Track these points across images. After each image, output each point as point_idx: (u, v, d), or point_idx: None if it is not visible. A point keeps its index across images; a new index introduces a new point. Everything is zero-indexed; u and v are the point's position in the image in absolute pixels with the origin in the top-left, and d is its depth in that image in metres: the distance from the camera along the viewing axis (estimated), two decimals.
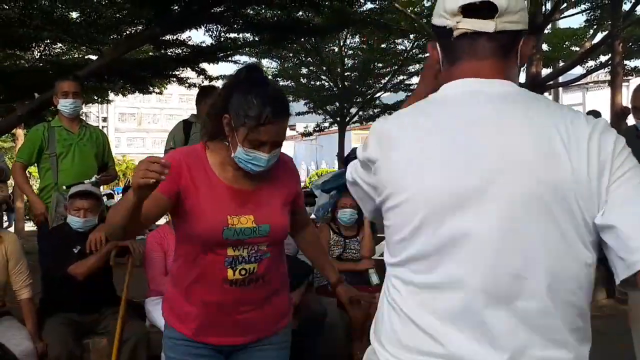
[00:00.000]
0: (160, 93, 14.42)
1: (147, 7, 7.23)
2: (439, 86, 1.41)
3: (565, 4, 11.38)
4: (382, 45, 15.79)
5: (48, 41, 9.55)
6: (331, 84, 18.13)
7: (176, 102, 52.40)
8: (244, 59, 15.40)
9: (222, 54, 10.78)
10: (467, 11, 1.23)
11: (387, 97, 19.45)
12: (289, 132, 2.02)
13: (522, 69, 1.36)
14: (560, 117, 1.17)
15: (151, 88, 13.08)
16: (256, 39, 10.33)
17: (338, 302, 4.52)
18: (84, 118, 4.86)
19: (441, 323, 1.16)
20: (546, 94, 12.01)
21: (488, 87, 1.22)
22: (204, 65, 11.40)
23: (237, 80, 1.98)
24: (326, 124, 20.09)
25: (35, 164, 4.52)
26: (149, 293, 3.88)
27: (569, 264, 1.13)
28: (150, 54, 11.35)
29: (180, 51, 10.26)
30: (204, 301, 2.00)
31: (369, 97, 18.55)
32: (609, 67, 11.48)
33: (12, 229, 15.21)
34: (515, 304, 1.12)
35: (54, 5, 8.00)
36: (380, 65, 17.21)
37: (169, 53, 10.39)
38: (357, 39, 16.49)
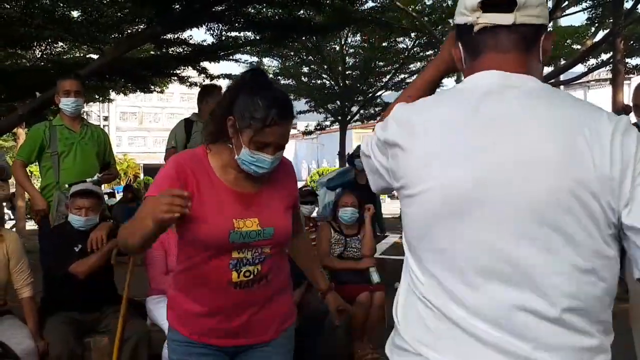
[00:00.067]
0: (162, 92, 14.43)
1: (148, 6, 7.23)
2: (448, 71, 1.46)
3: (566, 2, 11.37)
4: (384, 44, 15.76)
5: (49, 40, 9.55)
6: (332, 82, 18.11)
7: (177, 101, 52.40)
8: (245, 57, 15.44)
9: (223, 53, 10.79)
10: (486, 7, 1.24)
11: (389, 96, 19.41)
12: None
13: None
14: (583, 114, 1.18)
15: (152, 87, 13.09)
16: (257, 37, 10.34)
17: None
18: (85, 117, 4.85)
19: (467, 315, 1.18)
20: None
21: (512, 81, 1.23)
22: (205, 64, 11.41)
23: (242, 82, 1.98)
24: (327, 123, 20.09)
25: (37, 163, 4.52)
26: (150, 292, 3.89)
27: (589, 257, 1.13)
28: (152, 52, 11.35)
29: (182, 50, 10.27)
30: (209, 304, 2.00)
31: (370, 95, 18.53)
32: (611, 65, 11.48)
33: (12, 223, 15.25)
34: (538, 295, 1.13)
35: (55, 4, 8.01)
36: (381, 63, 17.19)
37: (170, 52, 10.40)
38: (358, 38, 16.47)
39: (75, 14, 8.57)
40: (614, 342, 1.20)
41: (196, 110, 5.08)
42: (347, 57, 17.34)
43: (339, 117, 18.84)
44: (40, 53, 11.06)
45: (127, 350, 3.43)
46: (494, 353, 1.15)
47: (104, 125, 44.85)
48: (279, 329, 2.13)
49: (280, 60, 17.95)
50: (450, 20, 13.71)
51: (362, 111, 19.24)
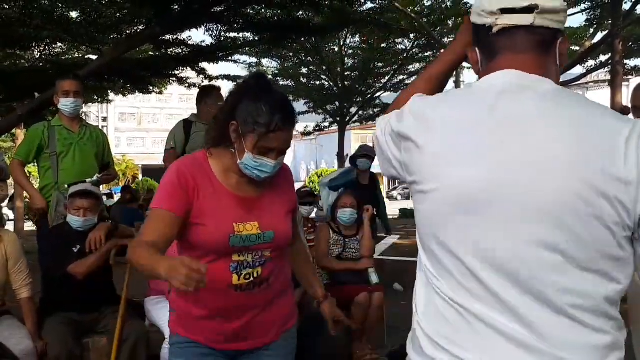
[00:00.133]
0: (160, 93, 14.45)
1: (147, 7, 7.24)
2: (460, 61, 1.46)
3: (565, 4, 11.38)
4: (382, 45, 15.81)
5: (48, 41, 9.56)
6: (331, 83, 18.15)
7: (176, 102, 52.42)
8: (244, 58, 15.49)
9: (222, 54, 10.81)
10: (505, 11, 1.24)
11: (387, 97, 19.44)
12: None
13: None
14: (598, 117, 1.18)
15: (151, 88, 13.10)
16: (256, 38, 10.35)
17: (338, 302, 4.52)
18: (83, 118, 4.84)
19: (486, 309, 1.19)
20: None
21: (528, 82, 1.23)
22: (204, 64, 11.42)
23: (245, 87, 1.99)
24: (326, 124, 20.13)
25: (35, 163, 4.52)
26: (148, 292, 3.89)
27: (598, 258, 1.13)
28: (150, 53, 11.36)
29: (180, 51, 10.28)
30: (210, 307, 2.00)
31: (369, 96, 18.57)
32: (609, 66, 11.50)
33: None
34: (547, 293, 1.14)
35: (54, 5, 8.01)
36: (380, 64, 17.23)
37: (169, 53, 10.40)
38: (357, 39, 16.52)
39: (74, 14, 8.57)
40: None
41: (195, 111, 5.07)
42: (346, 58, 17.38)
43: (338, 118, 18.88)
44: (39, 53, 11.06)
45: (125, 351, 3.43)
46: (514, 347, 1.16)
47: (102, 126, 44.78)
48: (279, 331, 2.13)
49: (279, 61, 17.99)
50: (450, 22, 13.75)
51: (361, 112, 19.28)
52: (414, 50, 16.10)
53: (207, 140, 2.05)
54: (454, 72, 1.65)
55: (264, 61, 18.15)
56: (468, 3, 13.13)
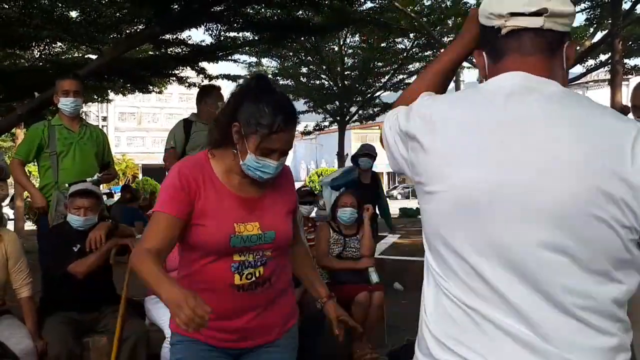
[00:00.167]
0: (160, 92, 14.43)
1: (147, 6, 7.23)
2: (467, 55, 1.47)
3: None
4: (382, 44, 15.79)
5: (48, 40, 9.54)
6: (331, 83, 18.13)
7: (176, 102, 52.38)
8: (244, 58, 15.48)
9: (221, 53, 10.80)
10: (514, 14, 1.25)
11: (387, 96, 19.44)
12: None
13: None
14: (604, 118, 1.18)
15: (151, 87, 13.09)
16: (256, 38, 10.35)
17: (338, 301, 4.52)
18: (83, 117, 4.84)
19: (492, 310, 1.19)
20: None
21: (534, 84, 1.23)
22: (203, 64, 11.42)
23: (246, 88, 1.99)
24: (326, 123, 20.11)
25: (35, 163, 4.52)
26: (148, 292, 3.88)
27: (603, 260, 1.13)
28: (150, 53, 11.35)
29: (180, 50, 10.27)
30: (213, 308, 2.00)
31: (368, 96, 18.55)
32: (609, 65, 11.49)
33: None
34: (554, 293, 1.14)
35: (54, 5, 8.01)
36: (380, 64, 17.22)
37: (169, 52, 10.39)
38: (357, 38, 16.50)
39: (73, 14, 8.57)
40: None
41: (195, 111, 5.07)
42: (345, 58, 17.37)
43: (338, 118, 18.87)
44: (38, 53, 11.05)
45: (125, 350, 3.43)
46: (521, 348, 1.16)
47: (102, 126, 44.77)
48: (282, 330, 2.14)
49: (279, 61, 17.98)
50: (449, 21, 13.75)
51: (360, 111, 19.26)
52: (413, 49, 16.08)
53: (209, 142, 2.06)
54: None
55: (264, 60, 18.17)
56: (468, 2, 13.14)
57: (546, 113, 1.18)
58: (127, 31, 8.87)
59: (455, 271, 1.24)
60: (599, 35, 11.94)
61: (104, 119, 52.21)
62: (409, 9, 12.53)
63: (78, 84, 4.42)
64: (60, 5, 8.09)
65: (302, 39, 13.45)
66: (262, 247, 2.00)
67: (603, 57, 13.42)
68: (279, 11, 8.88)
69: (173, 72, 11.72)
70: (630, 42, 13.45)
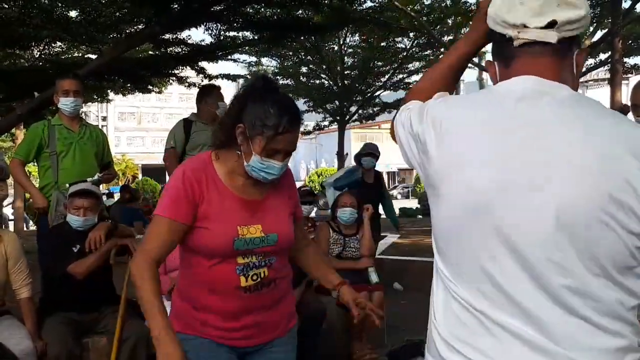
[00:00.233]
0: (160, 92, 14.44)
1: (147, 6, 7.24)
2: (478, 49, 1.48)
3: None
4: (382, 44, 15.78)
5: (47, 40, 9.57)
6: (331, 82, 18.13)
7: (176, 101, 52.33)
8: (244, 57, 15.47)
9: (221, 53, 10.81)
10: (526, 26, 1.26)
11: (387, 96, 19.44)
12: None
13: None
14: (615, 123, 1.18)
15: (151, 87, 13.09)
16: (256, 37, 10.34)
17: (337, 302, 4.52)
18: (83, 117, 4.84)
19: (499, 313, 1.19)
20: None
21: (545, 88, 1.23)
22: (203, 63, 11.42)
23: (250, 90, 1.99)
24: (326, 123, 20.11)
25: (35, 162, 4.51)
26: None
27: (609, 265, 1.14)
28: (150, 52, 11.36)
29: (180, 50, 10.28)
30: (219, 310, 2.01)
31: (368, 95, 18.55)
32: (609, 64, 11.50)
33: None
34: (561, 295, 1.15)
35: (53, 4, 8.02)
36: (380, 63, 17.21)
37: (169, 52, 10.40)
38: (356, 37, 16.49)
39: (73, 13, 8.57)
40: None
41: (195, 111, 5.07)
42: (345, 57, 17.35)
43: (338, 117, 18.86)
44: (38, 53, 11.07)
45: (125, 351, 3.43)
46: (529, 350, 1.17)
47: (102, 126, 44.77)
48: (285, 328, 2.17)
49: (278, 60, 17.98)
50: (449, 20, 13.74)
51: (360, 111, 19.25)
52: (413, 48, 16.08)
53: (214, 143, 2.06)
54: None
55: (264, 60, 18.15)
56: (467, 1, 13.13)
57: (558, 117, 1.19)
58: (127, 31, 8.88)
59: (464, 274, 1.25)
60: (599, 34, 11.94)
61: (104, 118, 52.18)
62: (408, 8, 12.52)
63: (78, 83, 4.41)
64: (60, 5, 8.11)
65: (302, 38, 13.44)
66: (265, 249, 2.00)
67: (603, 56, 13.42)
68: (278, 10, 8.89)
69: (173, 72, 11.73)
70: (630, 41, 13.45)
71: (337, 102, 18.61)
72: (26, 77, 9.91)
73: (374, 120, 20.65)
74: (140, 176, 41.11)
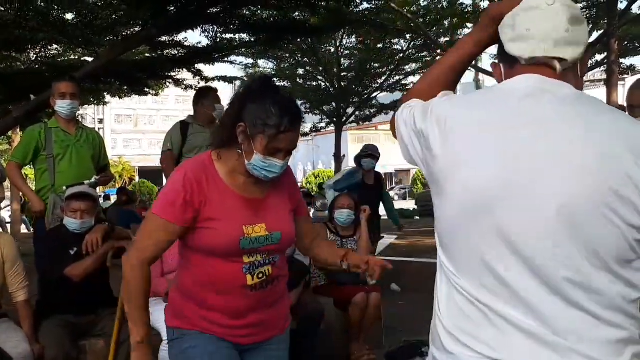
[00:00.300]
0: (157, 94, 14.43)
1: (143, 8, 7.23)
2: (481, 51, 1.51)
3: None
4: (379, 45, 15.82)
5: (44, 43, 9.56)
6: (327, 84, 18.16)
7: (173, 104, 52.36)
8: (240, 59, 15.47)
9: (218, 55, 10.80)
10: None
11: (384, 97, 19.47)
12: None
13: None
14: (615, 120, 1.21)
15: (147, 89, 13.08)
16: (252, 39, 10.35)
17: (335, 303, 4.53)
18: (80, 120, 4.83)
19: (503, 306, 1.22)
20: None
21: (547, 86, 1.26)
22: (200, 66, 11.42)
23: (250, 89, 2.00)
24: (323, 124, 20.12)
25: (31, 165, 4.50)
26: None
27: (610, 258, 1.16)
28: (147, 55, 11.34)
29: (177, 52, 10.28)
30: (225, 309, 2.02)
31: (365, 97, 18.58)
32: (605, 65, 11.52)
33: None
34: (563, 288, 1.17)
35: (50, 7, 8.00)
36: (376, 65, 17.25)
37: (165, 54, 10.39)
38: (353, 39, 16.52)
39: (69, 16, 8.56)
40: None
41: (192, 113, 5.07)
42: (342, 59, 17.39)
43: (335, 119, 18.89)
44: (34, 56, 11.05)
45: (123, 353, 3.41)
46: (532, 342, 1.19)
47: (98, 128, 44.73)
48: (283, 327, 2.20)
49: (275, 62, 17.99)
50: (446, 22, 13.76)
51: (357, 113, 19.29)
52: (410, 50, 16.12)
53: (215, 143, 2.06)
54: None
55: (260, 62, 18.18)
56: (464, 3, 13.16)
57: (560, 115, 1.21)
58: (124, 33, 8.87)
59: (467, 268, 1.27)
60: (595, 35, 11.97)
61: (101, 121, 52.14)
62: (405, 10, 12.55)
63: (75, 86, 4.40)
64: (56, 7, 8.08)
65: (299, 40, 13.47)
66: (269, 247, 2.02)
67: (599, 57, 13.46)
68: (275, 12, 8.89)
69: (169, 74, 11.73)
70: (626, 42, 13.50)
71: (334, 104, 18.63)
72: (22, 80, 9.90)
73: (370, 122, 20.67)
74: (137, 178, 41.04)
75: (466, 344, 1.26)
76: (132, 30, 8.76)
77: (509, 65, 1.35)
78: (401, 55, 16.27)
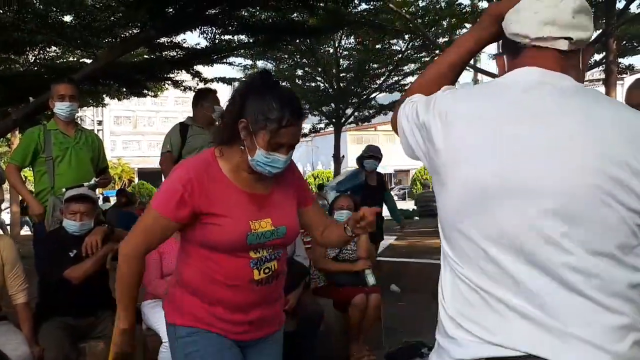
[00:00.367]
0: (156, 96, 14.42)
1: (142, 10, 7.21)
2: (482, 47, 1.52)
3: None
4: (377, 46, 15.82)
5: (42, 45, 9.55)
6: (326, 85, 18.16)
7: (172, 105, 52.38)
8: (239, 60, 15.48)
9: (216, 56, 10.78)
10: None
11: (383, 98, 19.48)
12: None
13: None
14: (616, 112, 1.23)
15: (146, 91, 13.07)
16: (251, 40, 10.34)
17: (335, 304, 4.53)
18: (79, 121, 4.82)
19: (504, 292, 1.24)
20: None
21: (548, 79, 1.28)
22: (198, 67, 11.41)
23: (251, 84, 2.00)
24: (322, 125, 20.12)
25: (30, 167, 4.50)
26: (145, 296, 3.88)
27: (611, 244, 1.17)
28: (145, 56, 11.34)
29: (175, 54, 10.26)
30: (230, 303, 2.02)
31: (364, 97, 18.58)
32: (604, 65, 11.52)
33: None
34: (562, 273, 1.19)
35: (48, 9, 7.99)
36: (375, 65, 17.25)
37: (164, 56, 10.38)
38: (352, 40, 16.52)
39: (68, 18, 8.55)
40: None
41: (191, 114, 5.07)
42: (341, 60, 17.39)
43: (334, 120, 18.89)
44: (33, 58, 11.05)
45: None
46: (534, 327, 1.20)
47: (98, 130, 44.72)
48: (280, 324, 2.23)
49: (274, 63, 17.97)
50: (444, 22, 13.77)
51: (356, 113, 19.28)
52: (408, 51, 16.12)
53: (217, 140, 2.06)
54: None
55: (259, 63, 18.12)
56: (462, 4, 13.17)
57: (560, 107, 1.23)
58: (122, 35, 8.85)
59: (469, 256, 1.29)
60: (594, 35, 11.97)
61: (100, 122, 52.15)
62: (403, 11, 12.55)
63: (74, 88, 4.40)
64: (54, 9, 8.07)
65: (297, 41, 13.46)
66: (274, 242, 2.03)
67: (597, 57, 13.47)
68: (273, 14, 8.88)
69: (168, 76, 11.71)
70: (624, 42, 13.51)
71: (332, 105, 18.63)
72: (21, 82, 9.89)
73: (370, 123, 20.66)
74: (136, 180, 41.06)
75: (468, 329, 1.28)
76: (130, 32, 8.74)
77: (512, 55, 1.37)
78: (400, 55, 16.27)
